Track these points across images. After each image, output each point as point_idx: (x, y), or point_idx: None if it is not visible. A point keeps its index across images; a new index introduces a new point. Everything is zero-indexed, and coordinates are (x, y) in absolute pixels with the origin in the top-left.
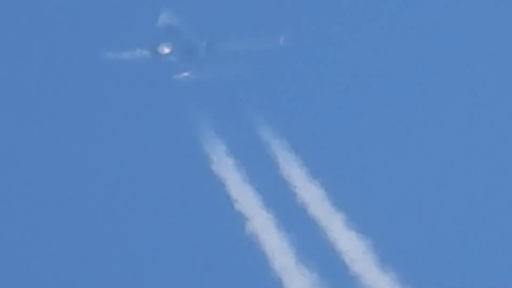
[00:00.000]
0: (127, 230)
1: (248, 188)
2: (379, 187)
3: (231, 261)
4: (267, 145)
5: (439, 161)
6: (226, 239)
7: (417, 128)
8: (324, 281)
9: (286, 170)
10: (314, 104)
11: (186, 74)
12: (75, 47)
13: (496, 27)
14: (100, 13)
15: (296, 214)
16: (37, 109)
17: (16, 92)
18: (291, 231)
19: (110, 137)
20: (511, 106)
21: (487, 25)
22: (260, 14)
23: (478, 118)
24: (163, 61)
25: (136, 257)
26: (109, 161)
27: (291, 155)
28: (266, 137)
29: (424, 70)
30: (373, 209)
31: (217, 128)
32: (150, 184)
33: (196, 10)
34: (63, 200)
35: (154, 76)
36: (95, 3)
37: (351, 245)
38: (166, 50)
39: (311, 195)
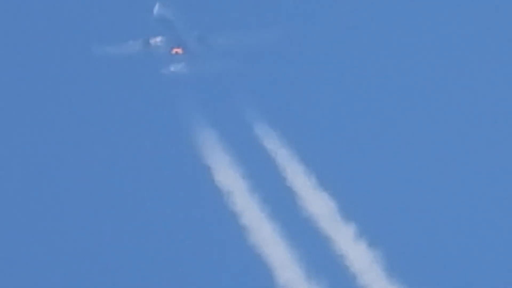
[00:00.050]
0: (126, 232)
1: (233, 172)
2: (386, 197)
3: (235, 276)
4: (260, 139)
5: (451, 176)
6: (230, 252)
7: (423, 136)
8: None
9: (281, 165)
10: (308, 98)
11: (178, 66)
12: (67, 40)
13: (496, 27)
14: (92, 6)
15: (301, 225)
16: (27, 103)
17: (6, 85)
18: (297, 243)
19: (101, 130)
20: (511, 106)
21: (487, 25)
22: (253, 8)
23: (485, 119)
24: (155, 54)
25: (137, 270)
26: (100, 156)
27: (285, 150)
28: (260, 131)
29: (422, 65)
30: (380, 221)
31: (210, 121)
32: (140, 181)
33: (189, 3)
34: (50, 195)
35: (146, 69)
36: None
37: (358, 257)
38: (158, 42)
39: (316, 203)
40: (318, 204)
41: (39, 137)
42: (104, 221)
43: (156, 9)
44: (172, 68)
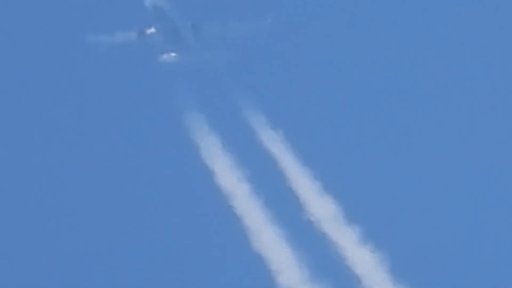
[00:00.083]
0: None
1: (222, 154)
2: (390, 200)
3: (237, 279)
4: (256, 132)
5: (455, 179)
6: (233, 255)
7: (428, 139)
8: None
9: (281, 163)
10: (304, 90)
11: (172, 55)
12: (59, 29)
13: (496, 27)
14: None
15: (304, 228)
16: (20, 93)
17: None
18: (301, 246)
19: (94, 121)
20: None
21: (487, 25)
22: None
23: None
24: (149, 43)
25: (139, 274)
26: (92, 150)
27: (282, 144)
28: (255, 124)
29: (419, 58)
30: (385, 224)
31: (203, 111)
32: (135, 177)
33: None
34: (43, 186)
35: (140, 58)
36: None
37: (363, 260)
38: (153, 32)
39: (318, 206)
40: (321, 207)
41: (33, 127)
42: (100, 219)
43: None
44: (165, 58)
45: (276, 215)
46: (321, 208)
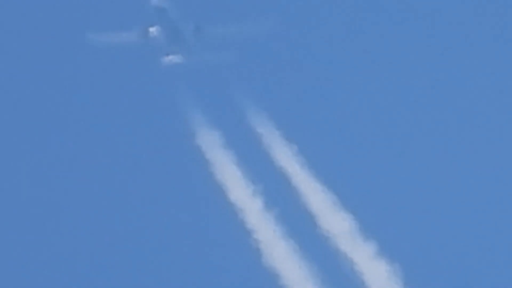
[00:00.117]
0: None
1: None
2: (406, 215)
3: None
4: (258, 134)
5: (469, 193)
6: (245, 270)
7: (438, 149)
8: None
9: (277, 154)
10: (307, 90)
11: (174, 56)
12: (62, 29)
13: (496, 27)
14: None
15: (318, 243)
16: (22, 92)
17: None
18: (314, 261)
19: (96, 121)
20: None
21: (487, 25)
22: None
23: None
24: (151, 44)
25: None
26: (96, 146)
27: (287, 148)
28: (257, 125)
29: (419, 60)
30: (400, 239)
31: (206, 113)
32: (139, 181)
33: None
34: (43, 185)
35: (142, 59)
36: None
37: (377, 275)
38: (155, 32)
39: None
40: (336, 222)
41: (33, 127)
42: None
43: None
44: (168, 59)
45: (289, 230)
46: (336, 223)
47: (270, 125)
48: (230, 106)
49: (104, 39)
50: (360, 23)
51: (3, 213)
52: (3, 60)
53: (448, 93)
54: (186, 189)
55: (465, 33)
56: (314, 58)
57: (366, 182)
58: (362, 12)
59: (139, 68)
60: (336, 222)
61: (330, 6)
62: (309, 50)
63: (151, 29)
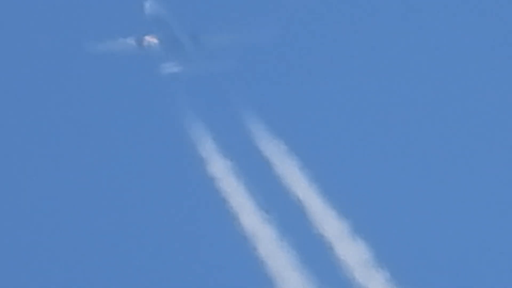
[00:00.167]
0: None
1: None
2: (420, 244)
3: None
4: (258, 144)
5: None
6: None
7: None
8: None
9: (281, 169)
10: (306, 99)
11: (172, 65)
12: (58, 38)
13: (496, 27)
14: (84, 3)
15: (331, 271)
16: (17, 101)
17: None
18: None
19: (92, 129)
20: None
21: (487, 25)
22: (248, 6)
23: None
24: (148, 52)
25: None
26: (92, 156)
27: (281, 154)
28: (256, 134)
29: (420, 64)
30: (414, 268)
31: (206, 122)
32: (136, 181)
33: (182, 1)
34: (40, 192)
35: (139, 67)
36: None
37: (369, 278)
38: (152, 41)
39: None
40: (351, 250)
41: (30, 135)
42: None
43: (149, 6)
44: (165, 67)
45: (302, 258)
46: (350, 250)
47: (270, 135)
48: (229, 115)
49: (100, 48)
50: (360, 30)
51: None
52: (1, 67)
53: (448, 96)
54: (183, 199)
55: (463, 34)
56: (313, 66)
57: (380, 208)
58: (362, 19)
59: (136, 77)
60: (351, 250)
61: (329, 14)
62: (308, 58)
63: (148, 38)
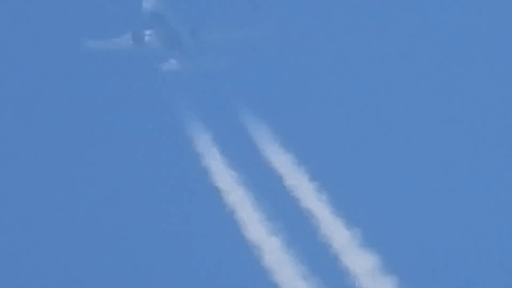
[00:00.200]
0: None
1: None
2: (428, 251)
3: None
4: (253, 138)
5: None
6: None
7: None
8: None
9: (275, 161)
10: (304, 96)
11: (170, 62)
12: (56, 35)
13: (496, 27)
14: (83, 1)
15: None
16: (16, 99)
17: None
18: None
19: (91, 127)
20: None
21: (487, 25)
22: (246, 3)
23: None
24: (147, 49)
25: None
26: (91, 154)
27: (282, 156)
28: (254, 131)
29: (418, 64)
30: (422, 275)
31: (204, 120)
32: (135, 181)
33: None
34: (38, 190)
35: (138, 64)
36: None
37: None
38: (150, 37)
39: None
40: (358, 260)
41: (28, 134)
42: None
43: (147, 3)
44: (164, 64)
45: (310, 268)
46: (358, 260)
47: (267, 132)
48: (227, 111)
49: (99, 45)
50: (359, 28)
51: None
52: None
53: (448, 97)
54: (181, 195)
55: (463, 34)
56: (312, 63)
57: (388, 218)
58: (361, 18)
59: (135, 74)
60: (358, 260)
61: (327, 11)
62: (307, 55)
63: (147, 35)
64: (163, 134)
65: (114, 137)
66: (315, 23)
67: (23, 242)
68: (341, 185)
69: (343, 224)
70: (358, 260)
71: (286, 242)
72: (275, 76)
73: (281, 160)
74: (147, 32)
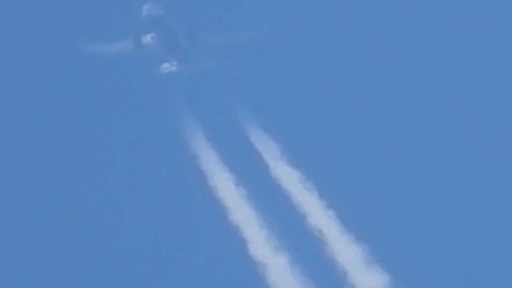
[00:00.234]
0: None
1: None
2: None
3: None
4: (254, 145)
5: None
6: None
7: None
8: None
9: (273, 168)
10: (301, 99)
11: (169, 64)
12: (56, 38)
13: (496, 27)
14: (81, 4)
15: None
16: (14, 102)
17: None
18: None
19: (90, 130)
20: (510, 106)
21: (487, 25)
22: (244, 6)
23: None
24: (145, 53)
25: None
26: (90, 157)
27: (277, 157)
28: (252, 133)
29: (415, 64)
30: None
31: (202, 121)
32: (132, 185)
33: (179, 1)
34: (34, 193)
35: (136, 67)
36: None
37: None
38: (149, 40)
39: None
40: (365, 278)
41: (26, 137)
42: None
43: (146, 7)
44: (163, 68)
45: (316, 286)
46: (365, 278)
47: (265, 134)
48: (225, 114)
49: (97, 49)
50: (355, 30)
51: None
52: None
53: (447, 97)
54: (185, 210)
55: (461, 34)
56: (309, 65)
57: (395, 236)
58: (357, 19)
59: (133, 77)
60: (365, 278)
61: (324, 13)
62: (304, 57)
63: (146, 38)
64: (162, 137)
65: (113, 139)
66: (312, 25)
67: (19, 243)
68: (348, 201)
69: (351, 241)
70: (366, 279)
71: (292, 260)
72: (273, 79)
73: (286, 175)
74: (146, 35)
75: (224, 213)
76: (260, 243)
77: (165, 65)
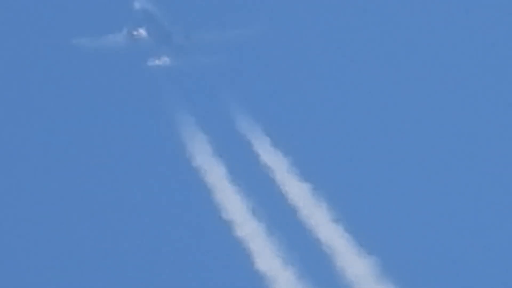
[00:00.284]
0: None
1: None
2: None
3: None
4: (249, 141)
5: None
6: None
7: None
8: None
9: (265, 158)
10: (294, 95)
11: (162, 59)
12: (48, 33)
13: (496, 27)
14: None
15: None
16: (5, 96)
17: None
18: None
19: (82, 125)
20: (510, 106)
21: (487, 25)
22: (238, 2)
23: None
24: (139, 46)
25: None
26: (82, 152)
27: (270, 149)
28: (246, 131)
29: (413, 62)
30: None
31: (194, 115)
32: (126, 180)
33: None
34: (28, 189)
35: (129, 62)
36: None
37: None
38: (142, 35)
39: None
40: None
41: (18, 132)
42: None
43: (139, 1)
44: (155, 62)
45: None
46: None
47: (259, 131)
48: (219, 110)
49: (91, 42)
50: (350, 27)
51: None
52: None
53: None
54: (190, 225)
55: (461, 34)
56: (303, 62)
57: (403, 248)
58: (352, 16)
59: (126, 70)
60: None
61: (319, 10)
62: (298, 54)
63: (139, 32)
64: (154, 131)
65: (106, 134)
66: (307, 22)
67: (17, 243)
68: (357, 214)
69: (360, 255)
70: (357, 262)
71: (300, 273)
72: (267, 74)
73: (293, 187)
74: (139, 29)
75: (231, 227)
76: (268, 256)
77: (158, 59)
